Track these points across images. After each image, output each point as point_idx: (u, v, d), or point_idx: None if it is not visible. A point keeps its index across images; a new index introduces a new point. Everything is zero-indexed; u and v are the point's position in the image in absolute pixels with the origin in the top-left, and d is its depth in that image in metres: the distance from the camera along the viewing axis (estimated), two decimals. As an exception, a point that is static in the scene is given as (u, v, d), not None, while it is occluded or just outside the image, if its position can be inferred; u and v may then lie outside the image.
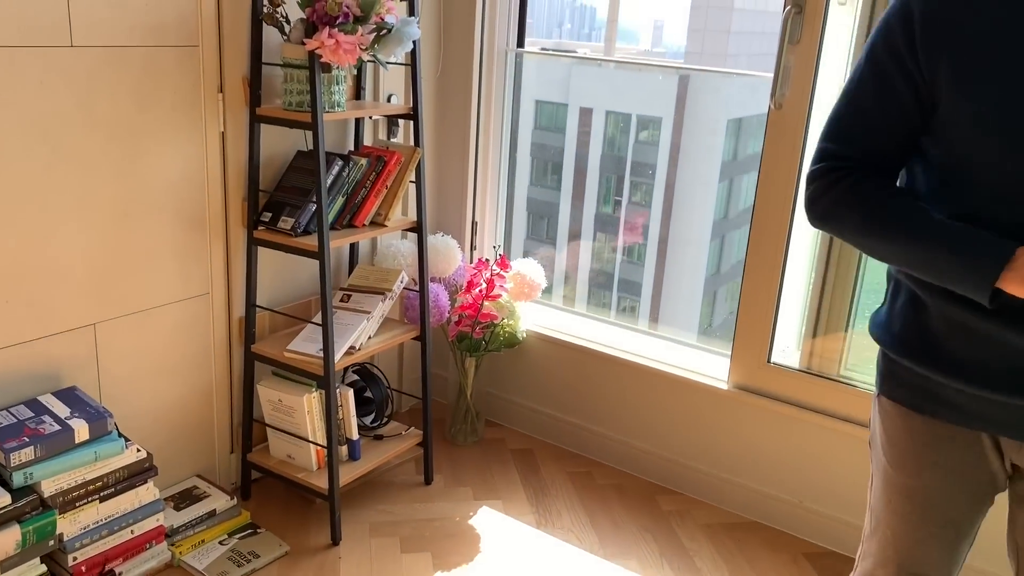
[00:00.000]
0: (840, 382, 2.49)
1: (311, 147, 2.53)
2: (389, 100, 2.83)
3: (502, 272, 2.77)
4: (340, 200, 2.45)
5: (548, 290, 3.11)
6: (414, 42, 2.48)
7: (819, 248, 2.54)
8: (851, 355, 2.55)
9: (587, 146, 3.08)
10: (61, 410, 2.00)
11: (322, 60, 2.16)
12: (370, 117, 2.76)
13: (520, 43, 3.04)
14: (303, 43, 2.16)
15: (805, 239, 2.57)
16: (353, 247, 2.81)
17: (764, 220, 2.49)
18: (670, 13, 2.96)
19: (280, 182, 2.47)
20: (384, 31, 2.25)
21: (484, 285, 2.77)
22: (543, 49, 3.16)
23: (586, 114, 3.14)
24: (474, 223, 3.13)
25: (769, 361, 2.59)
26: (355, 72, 2.65)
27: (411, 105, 2.55)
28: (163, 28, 2.12)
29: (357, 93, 2.67)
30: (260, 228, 2.42)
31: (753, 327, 2.58)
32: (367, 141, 2.77)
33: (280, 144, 2.50)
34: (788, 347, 2.66)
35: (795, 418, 2.55)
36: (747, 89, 2.66)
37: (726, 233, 3.00)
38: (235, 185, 2.40)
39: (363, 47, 2.23)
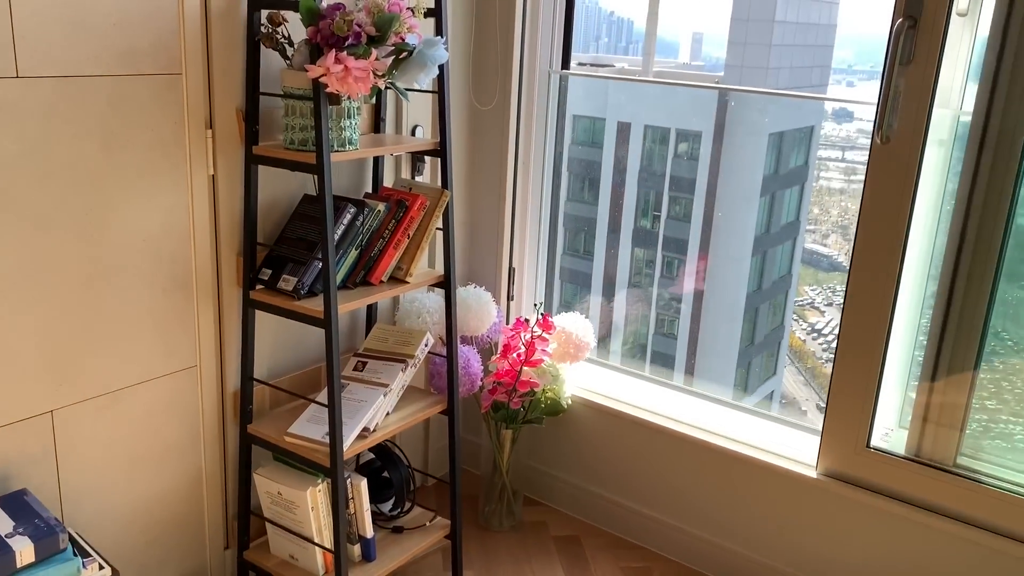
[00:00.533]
0: (957, 474, 2.03)
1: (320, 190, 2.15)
2: (414, 133, 2.44)
3: (544, 334, 2.35)
4: (353, 253, 2.06)
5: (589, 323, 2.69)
6: (441, 67, 2.09)
7: (932, 307, 2.09)
8: (967, 442, 2.09)
9: (625, 160, 2.85)
10: (2, 524, 1.62)
11: (328, 90, 1.77)
12: (391, 154, 2.37)
13: (565, 64, 2.64)
14: (306, 69, 1.77)
15: (914, 295, 2.12)
16: (371, 304, 2.42)
17: (865, 277, 2.04)
18: (710, 25, 2.80)
19: (283, 233, 2.09)
20: (404, 54, 1.86)
21: (523, 349, 2.36)
22: (580, 64, 2.78)
23: (624, 128, 2.96)
24: (511, 270, 2.72)
25: (868, 445, 2.14)
26: (373, 101, 2.27)
27: (438, 140, 2.16)
28: (135, 53, 1.75)
29: (376, 125, 2.28)
30: (258, 288, 2.04)
31: (849, 404, 2.13)
32: (387, 181, 2.38)
33: (283, 187, 2.12)
34: (890, 428, 2.21)
35: (899, 515, 2.09)
36: (791, 103, 2.42)
37: (767, 249, 2.84)
38: (228, 238, 2.02)
39: (379, 74, 1.84)
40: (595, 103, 2.96)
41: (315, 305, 1.94)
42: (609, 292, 3.11)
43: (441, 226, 2.20)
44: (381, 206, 2.10)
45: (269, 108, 2.01)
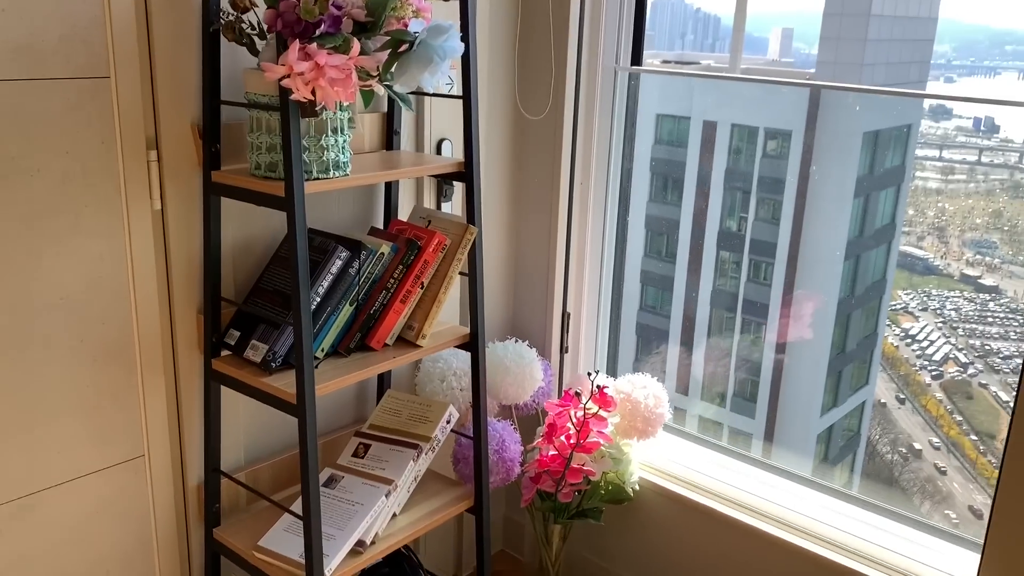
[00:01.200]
0: None
1: (312, 224, 1.67)
2: (439, 150, 1.94)
3: (603, 412, 1.82)
4: (346, 310, 1.57)
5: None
6: (467, 64, 1.58)
7: None
8: None
9: (711, 161, 2.66)
10: None
11: (294, 98, 1.28)
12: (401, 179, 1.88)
13: (636, 60, 2.10)
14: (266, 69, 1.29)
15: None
16: (384, 363, 1.92)
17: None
18: (800, 21, 2.65)
19: (258, 282, 1.61)
20: (404, 46, 1.35)
21: (574, 430, 1.83)
22: (665, 62, 2.37)
23: (709, 127, 2.80)
24: (565, 316, 2.19)
25: (1051, 582, 1.53)
26: (367, 109, 1.77)
27: (463, 159, 1.65)
28: (37, 50, 1.29)
29: (388, 140, 1.79)
30: (223, 355, 1.57)
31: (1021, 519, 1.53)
32: (404, 211, 1.89)
33: (263, 222, 1.65)
34: (1084, 558, 1.59)
35: None
36: (886, 101, 2.26)
37: (861, 253, 2.63)
38: (185, 290, 1.55)
39: (371, 73, 1.35)
40: (679, 104, 2.59)
41: (288, 383, 1.45)
42: (689, 324, 2.59)
43: (467, 270, 1.69)
44: (385, 247, 1.60)
45: (239, 120, 1.53)
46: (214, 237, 1.52)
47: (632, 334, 2.58)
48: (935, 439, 2.51)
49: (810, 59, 2.61)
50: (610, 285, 2.24)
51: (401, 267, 1.62)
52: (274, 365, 1.49)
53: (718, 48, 2.84)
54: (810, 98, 2.53)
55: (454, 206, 2.00)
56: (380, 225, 1.85)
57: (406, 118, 1.85)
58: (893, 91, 2.15)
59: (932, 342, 2.51)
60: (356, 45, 1.28)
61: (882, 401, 2.63)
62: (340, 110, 1.44)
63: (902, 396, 2.61)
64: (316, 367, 1.52)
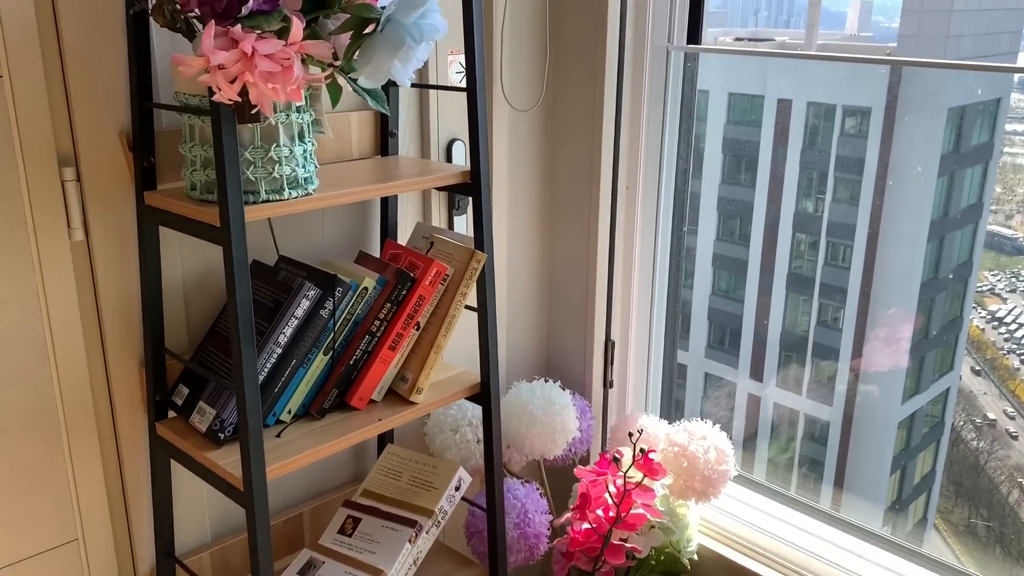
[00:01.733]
0: None
1: (288, 250, 1.36)
2: (449, 153, 1.60)
3: (649, 482, 1.46)
4: (319, 361, 1.25)
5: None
6: (470, 45, 1.24)
7: None
8: None
9: (785, 142, 2.42)
10: None
11: (217, 98, 0.96)
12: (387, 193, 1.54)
13: (694, 38, 1.73)
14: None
15: None
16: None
17: None
18: None
19: (214, 325, 1.31)
20: (372, 25, 1.02)
21: (614, 501, 1.47)
22: (738, 39, 2.15)
23: (784, 106, 2.63)
24: (609, 345, 1.84)
25: None
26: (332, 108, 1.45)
27: (470, 167, 1.32)
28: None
29: (383, 142, 1.46)
30: (170, 417, 1.27)
31: None
32: (406, 228, 1.56)
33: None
34: None
35: None
36: (973, 74, 2.14)
37: (945, 234, 2.51)
38: (121, 339, 1.25)
39: (325, 63, 1.02)
40: (752, 83, 2.34)
41: (234, 462, 1.14)
42: (764, 311, 2.31)
43: (476, 304, 1.36)
44: (369, 281, 1.28)
45: (179, 127, 1.22)
46: (152, 272, 1.22)
47: (699, 359, 2.21)
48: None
49: (891, 32, 2.49)
50: (663, 304, 1.88)
51: (389, 305, 1.29)
52: (222, 436, 1.18)
53: (793, 24, 2.73)
54: (891, 73, 2.40)
55: (469, 221, 1.66)
56: (375, 248, 1.52)
57: (407, 117, 1.52)
58: (981, 65, 1.97)
59: (1021, 325, 2.46)
60: (296, 26, 0.95)
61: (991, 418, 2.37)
62: (297, 112, 1.12)
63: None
64: (279, 435, 1.21)
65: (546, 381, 1.65)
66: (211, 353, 1.26)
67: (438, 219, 1.61)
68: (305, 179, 1.15)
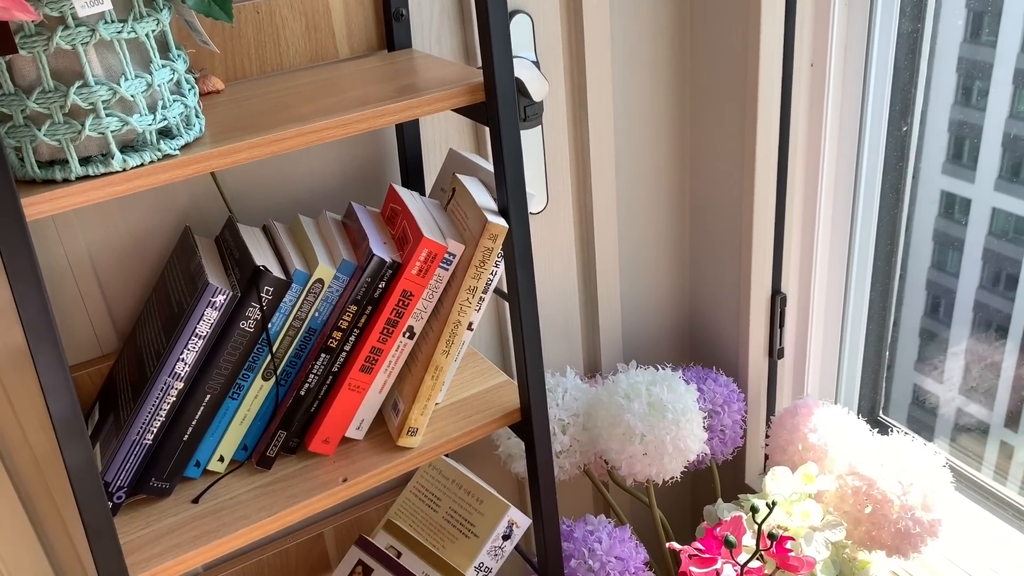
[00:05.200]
0: None
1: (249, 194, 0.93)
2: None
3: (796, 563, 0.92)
4: (261, 388, 0.84)
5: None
6: None
7: None
8: None
9: None
10: None
11: None
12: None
13: None
14: None
15: None
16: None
17: None
18: None
19: (141, 316, 0.93)
20: None
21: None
22: None
23: None
24: (778, 299, 1.26)
25: None
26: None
27: (484, 73, 0.79)
28: None
29: (387, 32, 0.95)
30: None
31: None
32: (438, 158, 1.06)
33: (145, 213, 0.94)
34: None
35: None
36: None
37: None
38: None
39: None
40: None
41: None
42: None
43: (506, 288, 0.86)
44: (326, 270, 0.82)
45: None
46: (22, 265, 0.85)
47: (917, 311, 1.55)
48: None
49: None
50: (871, 244, 1.25)
51: (355, 307, 0.83)
52: (109, 504, 0.82)
53: None
54: None
55: (548, 136, 1.12)
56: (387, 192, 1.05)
57: (430, -18, 0.99)
58: None
59: None
60: None
61: None
62: (137, 19, 0.65)
63: None
64: (196, 500, 0.83)
65: (658, 369, 1.13)
66: (127, 366, 0.89)
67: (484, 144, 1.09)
68: (161, 131, 0.69)
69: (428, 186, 1.04)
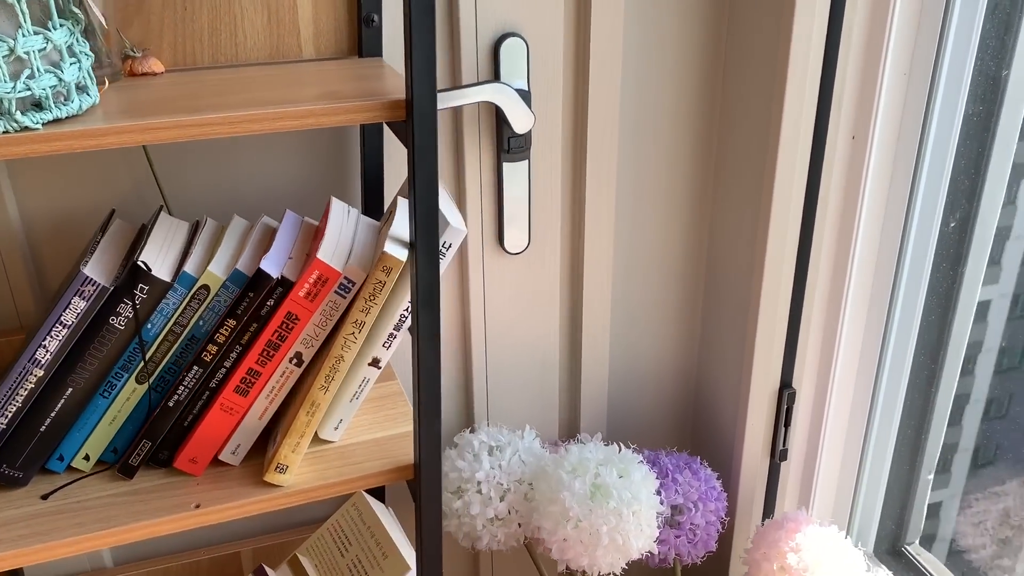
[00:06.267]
0: None
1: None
2: (496, 59, 0.96)
3: None
4: (133, 391, 0.78)
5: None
6: None
7: None
8: None
9: None
10: None
11: None
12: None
13: None
14: None
15: None
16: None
17: None
18: None
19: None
20: None
21: None
22: None
23: None
24: (785, 394, 1.10)
25: None
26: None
27: (407, 86, 0.71)
28: None
29: (359, 40, 0.89)
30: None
31: None
32: (401, 175, 0.98)
33: (92, 193, 0.91)
34: None
35: None
36: None
37: None
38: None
39: None
40: None
41: None
42: None
43: (409, 317, 0.77)
44: (213, 277, 0.76)
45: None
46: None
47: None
48: None
49: None
50: (909, 345, 1.07)
51: (234, 322, 0.76)
52: (-45, 485, 0.78)
53: None
54: None
55: (535, 172, 1.02)
56: (356, 201, 0.98)
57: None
58: None
59: None
60: None
61: None
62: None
63: None
64: (46, 496, 0.78)
65: (622, 449, 1.00)
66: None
67: (476, 163, 1.00)
68: (30, 102, 0.64)
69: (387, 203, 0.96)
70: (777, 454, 1.13)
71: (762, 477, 1.15)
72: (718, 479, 1.10)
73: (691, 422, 1.24)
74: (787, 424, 1.12)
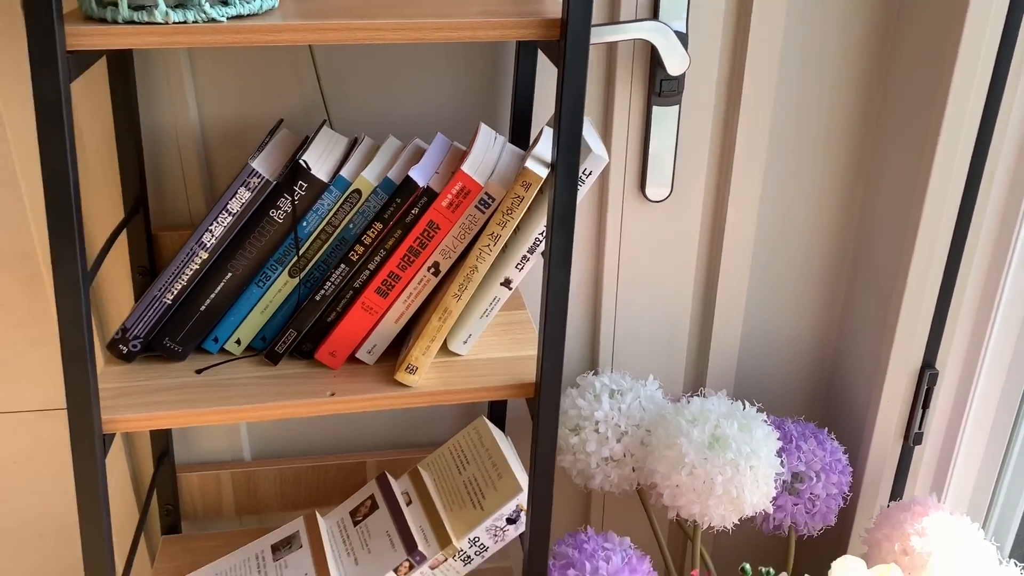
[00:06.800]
0: None
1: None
2: (659, -9, 0.96)
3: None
4: (285, 284, 0.84)
5: None
6: None
7: None
8: None
9: None
10: None
11: None
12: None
13: None
14: None
15: None
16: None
17: None
18: None
19: (221, 198, 0.97)
20: None
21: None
22: None
23: None
24: (926, 376, 1.05)
25: None
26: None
27: (564, 6, 0.73)
28: None
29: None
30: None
31: None
32: (542, 116, 0.99)
33: (262, 107, 0.98)
34: None
35: None
36: None
37: None
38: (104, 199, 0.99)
39: None
40: None
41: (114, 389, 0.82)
42: None
43: (544, 241, 0.79)
44: (365, 182, 0.80)
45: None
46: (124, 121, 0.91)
47: None
48: None
49: None
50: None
51: (380, 225, 0.80)
52: (124, 350, 0.86)
53: None
54: None
55: (685, 118, 1.01)
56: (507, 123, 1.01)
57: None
58: None
59: None
60: None
61: None
62: None
63: None
64: (200, 371, 0.85)
65: (747, 406, 0.99)
66: (196, 235, 0.94)
67: (625, 104, 1.00)
68: (213, -4, 0.70)
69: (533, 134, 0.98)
70: (912, 436, 1.08)
71: (892, 458, 1.10)
72: (844, 453, 1.06)
73: (824, 394, 1.21)
74: (925, 406, 1.07)
